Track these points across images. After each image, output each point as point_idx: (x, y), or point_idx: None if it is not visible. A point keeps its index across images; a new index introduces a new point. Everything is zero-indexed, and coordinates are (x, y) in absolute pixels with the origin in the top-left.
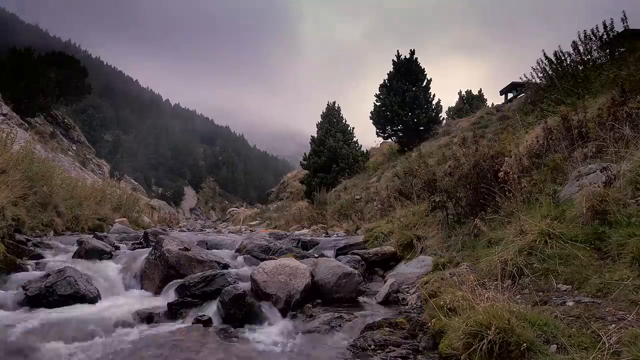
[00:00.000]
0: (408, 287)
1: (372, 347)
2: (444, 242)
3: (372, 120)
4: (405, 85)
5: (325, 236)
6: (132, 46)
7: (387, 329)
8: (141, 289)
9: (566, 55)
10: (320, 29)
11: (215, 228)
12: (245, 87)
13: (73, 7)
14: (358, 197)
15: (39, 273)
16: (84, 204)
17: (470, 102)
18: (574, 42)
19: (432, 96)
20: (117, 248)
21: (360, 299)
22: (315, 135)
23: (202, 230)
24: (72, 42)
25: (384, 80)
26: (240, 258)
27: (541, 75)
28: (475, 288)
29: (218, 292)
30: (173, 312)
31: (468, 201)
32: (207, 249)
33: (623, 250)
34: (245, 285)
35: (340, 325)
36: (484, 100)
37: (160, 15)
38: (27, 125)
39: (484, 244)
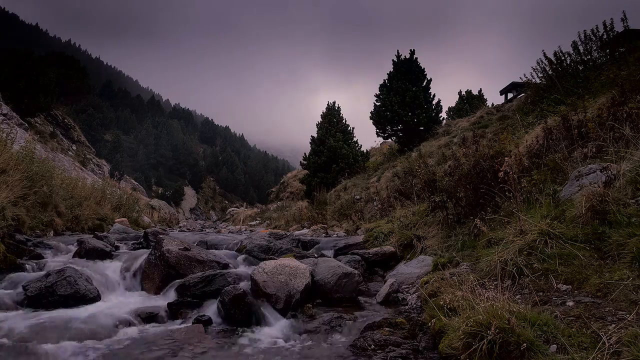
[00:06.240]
0: (408, 287)
1: (372, 347)
2: (444, 242)
3: (372, 120)
4: (405, 85)
5: (325, 236)
6: (132, 46)
7: (387, 329)
8: (141, 289)
9: (566, 56)
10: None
11: (215, 228)
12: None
13: (73, 7)
14: (358, 197)
15: (39, 273)
16: (84, 204)
17: (470, 102)
18: (574, 42)
19: (432, 96)
20: (117, 248)
21: (360, 299)
22: (315, 135)
23: (202, 230)
24: (72, 42)
25: (384, 80)
26: (240, 258)
27: (541, 75)
28: (475, 288)
29: (218, 292)
30: (173, 312)
31: (468, 201)
32: (207, 249)
33: (623, 250)
34: (245, 285)
35: (340, 325)
36: (484, 100)
37: (161, 15)
38: (27, 125)
39: (484, 244)
